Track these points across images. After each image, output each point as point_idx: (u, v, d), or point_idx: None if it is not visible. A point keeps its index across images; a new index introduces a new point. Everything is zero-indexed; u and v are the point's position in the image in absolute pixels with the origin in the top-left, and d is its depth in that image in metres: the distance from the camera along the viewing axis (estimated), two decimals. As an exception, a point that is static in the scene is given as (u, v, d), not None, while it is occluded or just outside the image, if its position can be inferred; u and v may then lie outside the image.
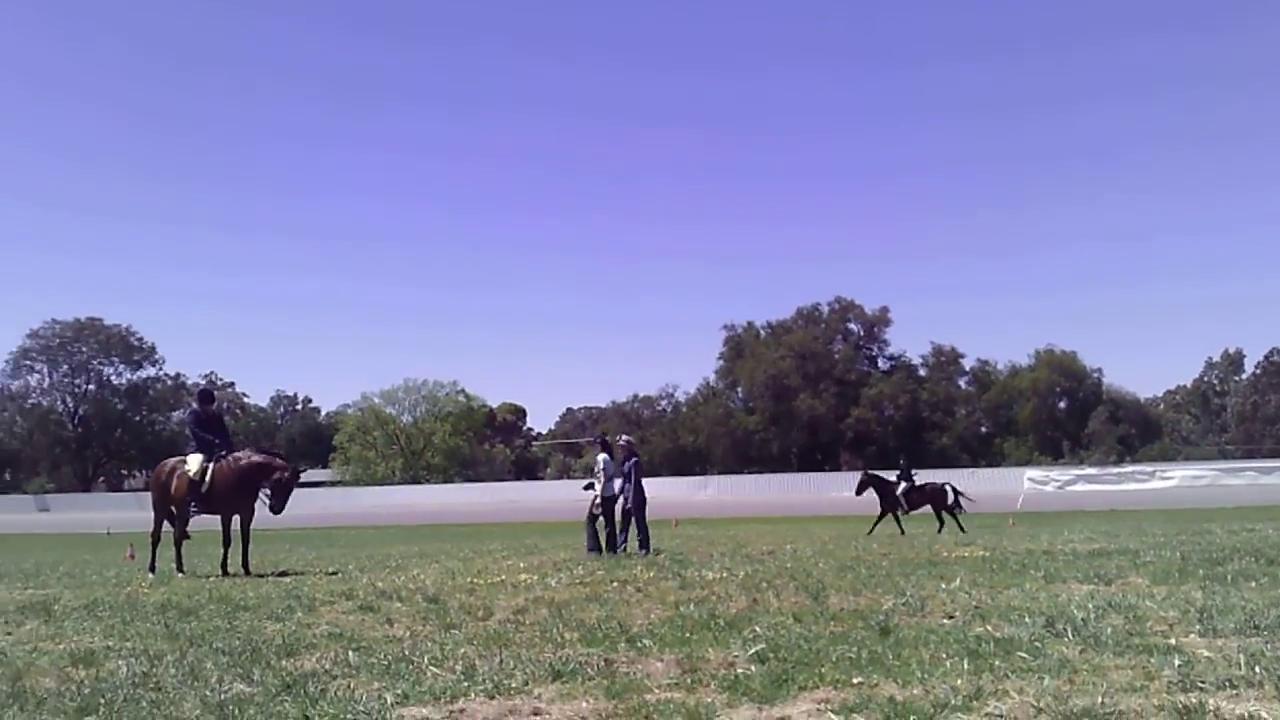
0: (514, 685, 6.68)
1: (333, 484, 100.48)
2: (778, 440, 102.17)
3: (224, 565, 16.45)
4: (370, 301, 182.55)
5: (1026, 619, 8.78)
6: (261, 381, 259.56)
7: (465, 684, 6.71)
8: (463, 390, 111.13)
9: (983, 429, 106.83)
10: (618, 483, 20.05)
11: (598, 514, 19.84)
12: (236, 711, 5.95)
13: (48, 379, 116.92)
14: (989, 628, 8.45)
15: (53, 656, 8.35)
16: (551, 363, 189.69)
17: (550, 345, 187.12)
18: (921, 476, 31.00)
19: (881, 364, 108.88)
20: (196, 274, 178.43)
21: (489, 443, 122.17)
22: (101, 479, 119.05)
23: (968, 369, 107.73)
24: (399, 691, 6.49)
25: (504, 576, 14.58)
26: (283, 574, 16.20)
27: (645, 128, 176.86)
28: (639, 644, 8.19)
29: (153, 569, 16.69)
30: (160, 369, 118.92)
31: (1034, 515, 36.11)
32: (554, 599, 11.53)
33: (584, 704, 6.16)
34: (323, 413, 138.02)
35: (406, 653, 7.95)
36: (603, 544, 19.64)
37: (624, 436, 22.05)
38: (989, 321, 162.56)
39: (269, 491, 16.36)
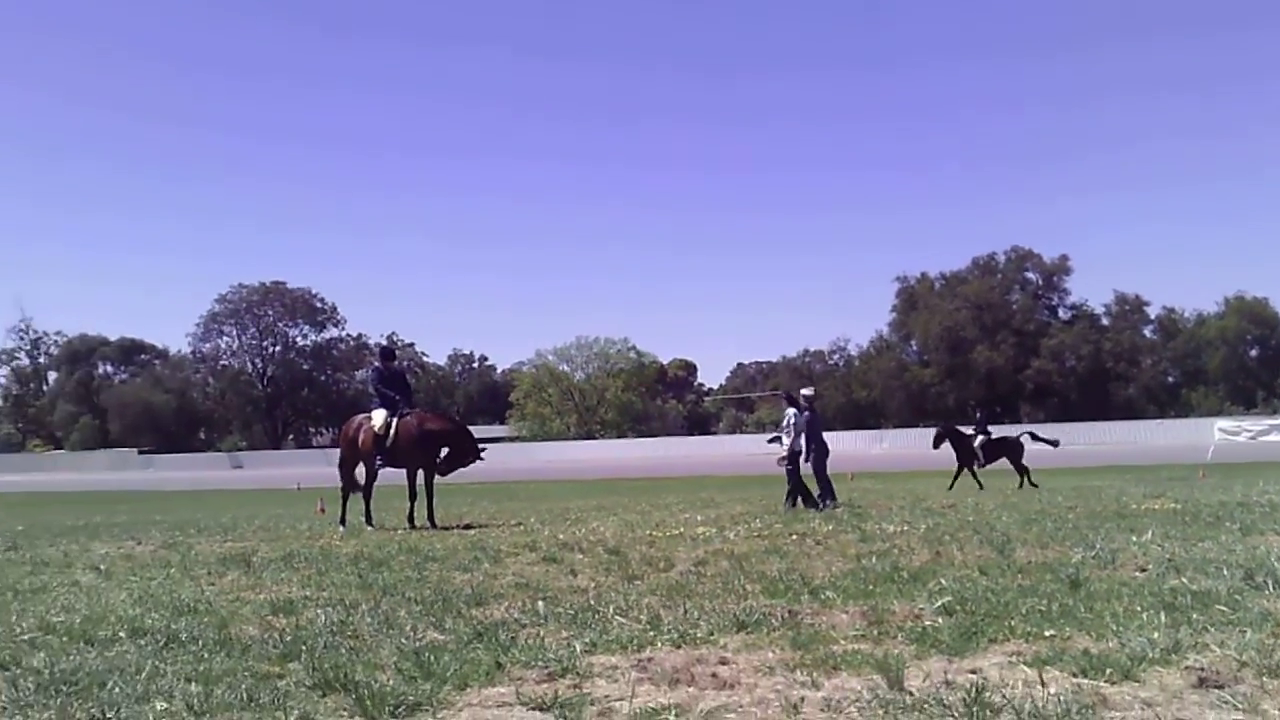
0: (699, 635, 6.72)
1: (510, 440, 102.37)
2: (954, 393, 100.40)
3: (410, 518, 16.89)
4: (544, 261, 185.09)
5: (1224, 571, 8.48)
6: (440, 341, 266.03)
7: (651, 633, 6.77)
8: (634, 347, 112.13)
9: (1169, 379, 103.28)
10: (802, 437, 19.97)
11: (790, 468, 19.80)
12: (432, 658, 6.10)
13: (237, 341, 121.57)
14: (1184, 580, 8.18)
15: (254, 605, 8.67)
16: (722, 318, 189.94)
17: (720, 300, 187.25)
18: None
19: (1062, 314, 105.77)
20: (374, 238, 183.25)
21: (661, 398, 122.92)
22: (290, 436, 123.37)
23: (1153, 317, 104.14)
24: (587, 640, 6.58)
25: (682, 529, 14.67)
26: (467, 526, 16.57)
27: (804, 71, 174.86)
28: (822, 596, 8.15)
29: (343, 522, 17.24)
30: (342, 330, 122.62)
31: (1226, 466, 34.75)
32: (733, 551, 11.56)
33: (770, 654, 6.16)
34: (498, 370, 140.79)
35: (592, 603, 8.06)
36: (799, 499, 19.53)
37: (805, 390, 21.91)
38: (1174, 269, 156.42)
39: (447, 459, 16.73)
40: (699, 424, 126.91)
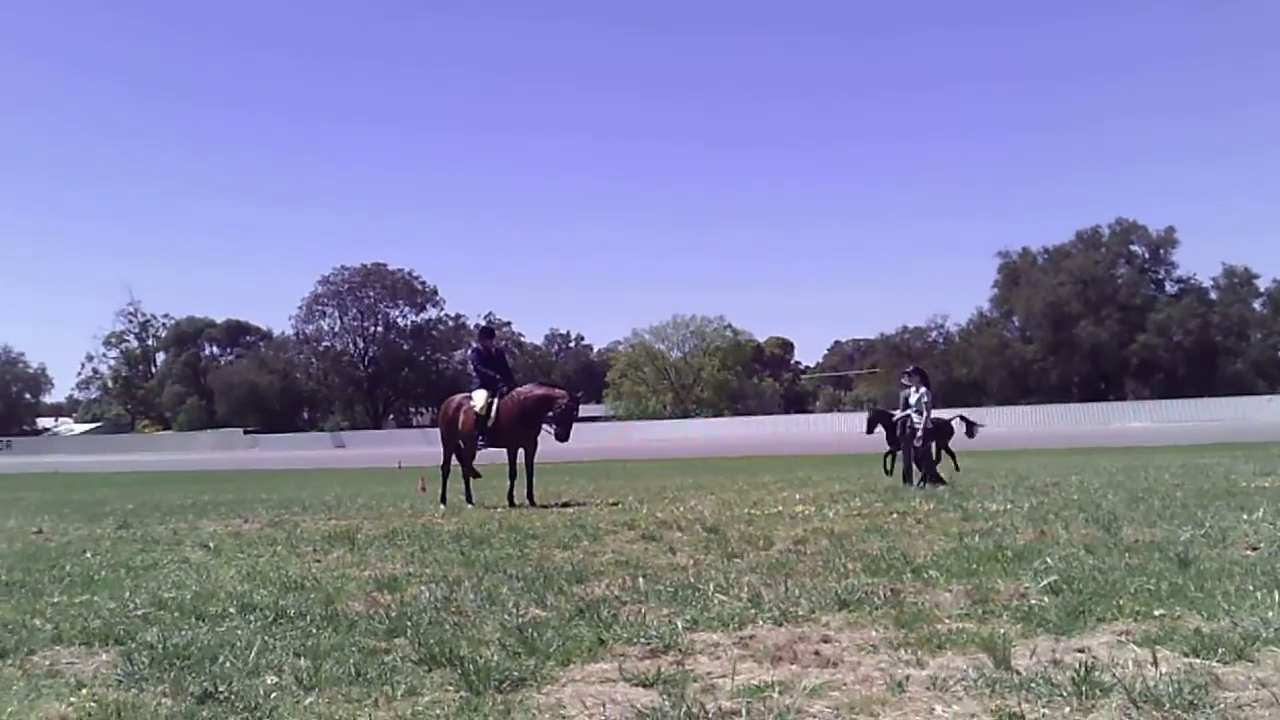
0: (801, 613, 6.69)
1: (606, 419, 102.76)
2: (1057, 369, 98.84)
3: (510, 496, 17.01)
4: (640, 239, 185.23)
5: (1343, 551, 8.25)
6: (537, 321, 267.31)
7: (753, 611, 6.75)
8: (730, 325, 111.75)
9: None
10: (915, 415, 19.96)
11: (924, 445, 19.86)
12: (535, 634, 6.14)
13: (338, 322, 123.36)
14: (1299, 560, 7.97)
15: (359, 582, 8.80)
16: (819, 295, 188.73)
17: (818, 277, 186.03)
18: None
19: (1169, 287, 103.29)
20: (473, 218, 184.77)
21: (757, 376, 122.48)
22: (391, 416, 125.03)
23: (1262, 290, 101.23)
24: (688, 617, 6.58)
25: (780, 508, 14.61)
26: (565, 505, 16.67)
27: (899, 38, 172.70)
28: (925, 574, 8.07)
29: (444, 500, 17.41)
30: (441, 310, 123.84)
31: (1341, 444, 33.76)
32: (833, 530, 11.48)
33: (873, 632, 6.12)
34: (595, 349, 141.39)
35: (692, 580, 8.06)
36: (914, 476, 19.51)
37: (910, 367, 22.02)
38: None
39: (553, 421, 16.85)
40: (795, 402, 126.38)
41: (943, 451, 24.65)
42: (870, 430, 25.04)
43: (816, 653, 5.65)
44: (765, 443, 59.54)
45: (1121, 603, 6.58)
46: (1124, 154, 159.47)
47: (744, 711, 4.51)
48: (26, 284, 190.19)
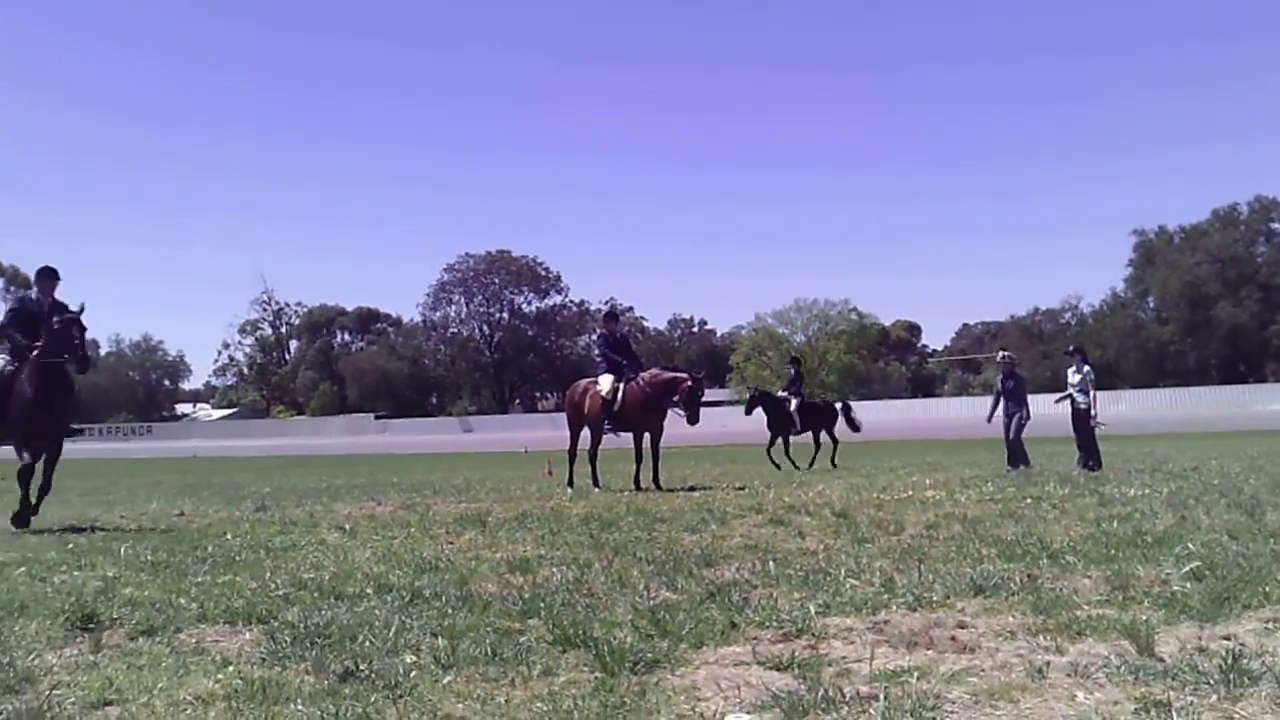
0: (935, 598, 6.60)
1: (731, 403, 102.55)
2: (1194, 352, 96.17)
3: (637, 480, 17.09)
4: (762, 223, 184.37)
5: None
6: (659, 306, 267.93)
7: (885, 596, 6.68)
8: (855, 308, 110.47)
9: None
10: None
11: (1100, 425, 19.64)
12: (666, 617, 6.15)
13: (465, 309, 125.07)
14: None
15: (491, 564, 8.90)
16: (946, 277, 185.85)
17: (945, 259, 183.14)
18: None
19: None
20: (595, 203, 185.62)
21: (883, 360, 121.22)
22: (517, 400, 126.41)
23: None
24: (820, 601, 6.54)
25: (910, 492, 14.45)
26: (692, 489, 16.68)
27: (1023, 5, 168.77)
28: (1062, 560, 7.91)
29: (570, 484, 17.56)
30: (565, 296, 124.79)
31: None
32: (965, 515, 11.33)
33: (1010, 618, 6.01)
34: (718, 334, 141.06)
35: (822, 564, 8.00)
36: (1090, 458, 19.30)
37: (1003, 353, 21.65)
38: None
39: (682, 405, 16.88)
40: (923, 386, 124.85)
41: (821, 437, 24.93)
42: (749, 412, 25.16)
43: (953, 638, 5.58)
44: (892, 427, 58.90)
45: (1269, 589, 6.38)
46: (1263, 127, 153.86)
47: (882, 696, 4.46)
48: (166, 274, 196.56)
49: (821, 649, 5.45)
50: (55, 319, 12.56)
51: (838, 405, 26.33)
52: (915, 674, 4.86)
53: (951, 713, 4.33)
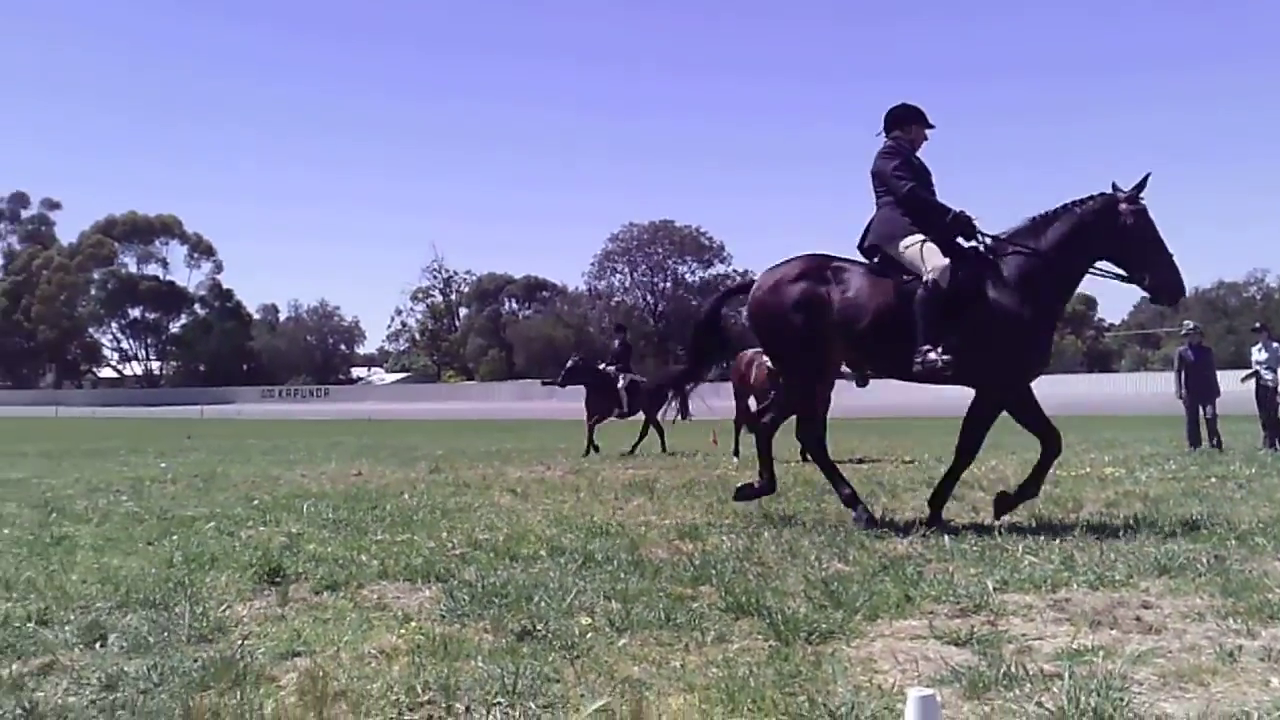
0: (1117, 578, 6.41)
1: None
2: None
3: (803, 452, 16.96)
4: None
5: None
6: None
7: (1065, 574, 6.52)
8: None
9: None
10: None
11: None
12: (840, 587, 6.11)
13: (629, 278, 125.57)
14: None
15: (661, 530, 8.96)
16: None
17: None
18: None
19: None
20: (757, 170, 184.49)
21: (1058, 334, 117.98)
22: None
23: None
24: (998, 578, 6.41)
25: (1088, 469, 14.10)
26: (859, 461, 16.53)
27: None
28: (1250, 542, 7.61)
29: (736, 454, 17.57)
30: (729, 265, 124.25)
31: None
32: (1146, 493, 11.00)
33: (1197, 600, 5.81)
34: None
35: (999, 540, 7.85)
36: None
37: (1189, 324, 20.89)
38: None
39: (850, 370, 16.70)
40: (1099, 361, 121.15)
41: (650, 423, 21.69)
42: (564, 384, 21.99)
43: (1137, 619, 5.42)
44: (1066, 403, 57.12)
45: None
46: None
47: (1066, 675, 4.35)
48: (343, 241, 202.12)
49: (1000, 625, 5.35)
50: None
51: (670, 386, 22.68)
52: (1100, 653, 4.74)
53: (1139, 694, 4.21)
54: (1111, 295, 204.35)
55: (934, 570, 6.74)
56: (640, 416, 21.86)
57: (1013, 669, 4.46)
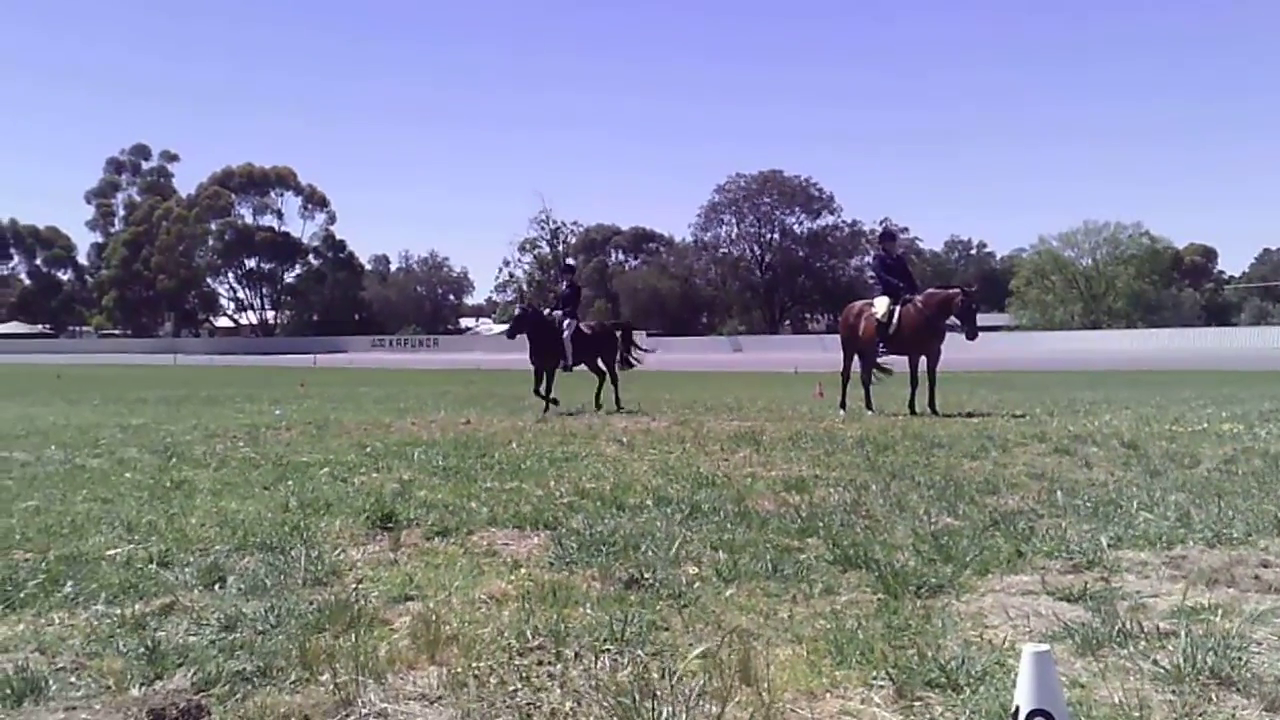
0: (1235, 536, 6.27)
1: (1009, 329, 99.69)
2: None
3: (912, 404, 16.82)
4: (1046, 136, 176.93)
5: None
6: (936, 227, 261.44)
7: (1182, 531, 6.40)
8: (1146, 231, 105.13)
9: None
10: None
11: None
12: (949, 542, 6.06)
13: (735, 229, 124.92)
14: None
15: (767, 482, 8.95)
16: (1246, 199, 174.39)
17: (1245, 178, 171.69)
18: None
19: None
20: (873, 116, 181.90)
21: (1175, 286, 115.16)
22: (787, 322, 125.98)
23: None
24: (1111, 534, 6.31)
25: (1205, 425, 13.73)
26: (969, 415, 16.31)
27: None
28: (1375, 500, 7.39)
29: (843, 406, 17.41)
30: (838, 217, 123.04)
31: None
32: (1267, 450, 10.69)
33: (1321, 561, 5.67)
34: (997, 257, 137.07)
35: (1112, 496, 7.71)
36: None
37: None
38: None
39: (959, 318, 16.50)
40: (1218, 315, 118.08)
41: (604, 370, 20.07)
42: (512, 335, 20.21)
43: (1256, 577, 5.30)
44: (1184, 357, 56.05)
45: None
46: None
47: (1181, 633, 4.28)
48: (453, 192, 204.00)
49: (1114, 582, 5.28)
50: None
51: (618, 332, 21.01)
52: (1217, 612, 4.64)
53: (1258, 653, 4.13)
54: (1233, 247, 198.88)
55: (1046, 526, 6.65)
56: (588, 369, 20.30)
57: (1127, 626, 4.40)
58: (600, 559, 5.84)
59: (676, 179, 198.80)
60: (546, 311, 20.20)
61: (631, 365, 20.64)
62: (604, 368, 20.06)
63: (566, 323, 19.60)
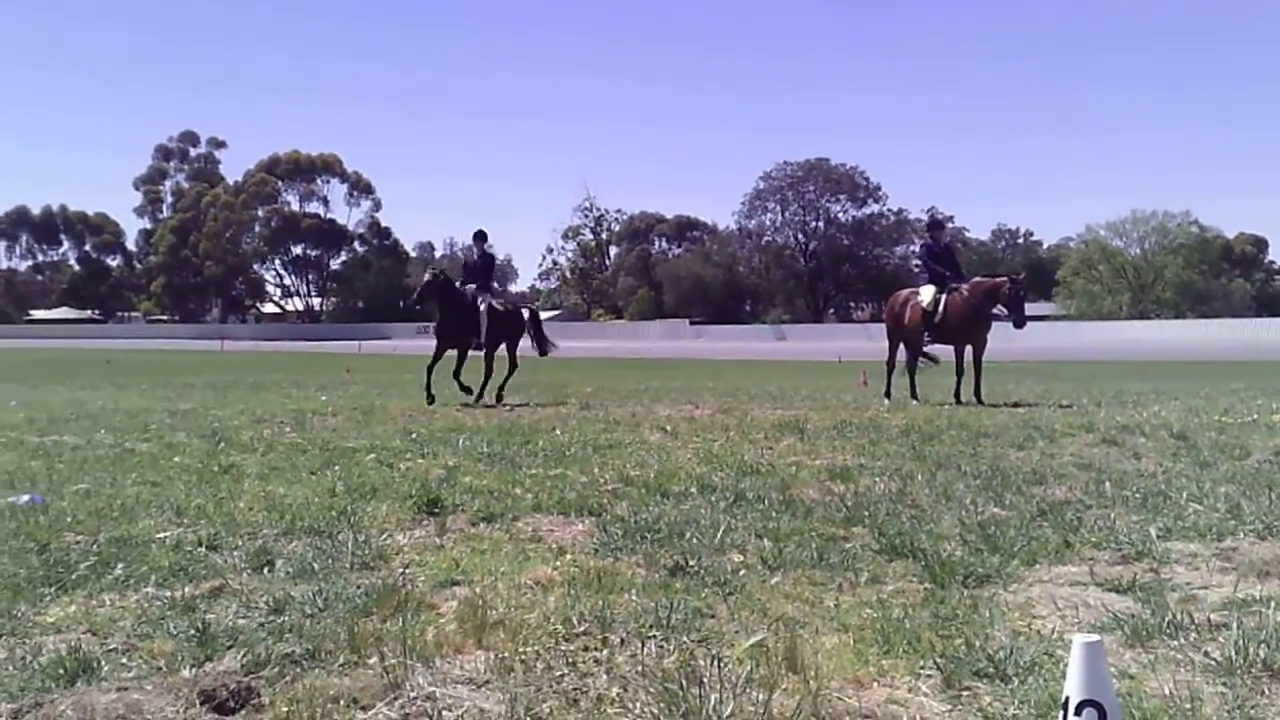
0: (1287, 528, 6.20)
1: (1056, 318, 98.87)
2: None
3: (957, 394, 16.71)
4: (1094, 132, 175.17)
5: None
6: (983, 215, 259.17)
7: (1232, 523, 6.33)
8: (1195, 221, 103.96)
9: None
10: None
11: None
12: (996, 532, 6.03)
13: (780, 217, 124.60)
14: None
15: (812, 471, 8.92)
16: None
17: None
18: None
19: None
20: (919, 103, 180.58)
21: (1225, 276, 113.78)
22: (831, 310, 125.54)
23: None
24: (1161, 525, 6.25)
25: (1255, 416, 13.57)
26: (1015, 404, 16.20)
27: None
28: None
29: (888, 395, 17.32)
30: (884, 205, 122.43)
31: None
32: (1319, 442, 10.57)
33: (1374, 553, 5.59)
34: (1044, 246, 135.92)
35: (1162, 487, 7.64)
36: None
37: None
38: None
39: (1006, 307, 16.38)
40: (1269, 305, 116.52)
41: (509, 359, 18.27)
42: (419, 303, 18.58)
43: (1309, 570, 5.24)
44: (1233, 348, 55.47)
45: None
46: None
47: (1233, 625, 4.23)
48: (497, 180, 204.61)
49: (1164, 574, 5.23)
50: None
51: (525, 312, 19.28)
52: (1269, 604, 4.59)
53: (1312, 648, 4.07)
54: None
55: (1094, 516, 6.60)
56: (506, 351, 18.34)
57: (1177, 618, 4.36)
58: (645, 546, 5.85)
59: (720, 167, 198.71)
60: (459, 284, 17.97)
61: (546, 352, 19.25)
62: (508, 352, 18.33)
63: (481, 297, 17.72)
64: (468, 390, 17.48)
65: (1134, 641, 4.17)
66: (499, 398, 17.74)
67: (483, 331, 17.41)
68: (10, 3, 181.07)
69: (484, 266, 18.43)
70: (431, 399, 16.90)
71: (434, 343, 18.00)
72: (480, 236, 18.28)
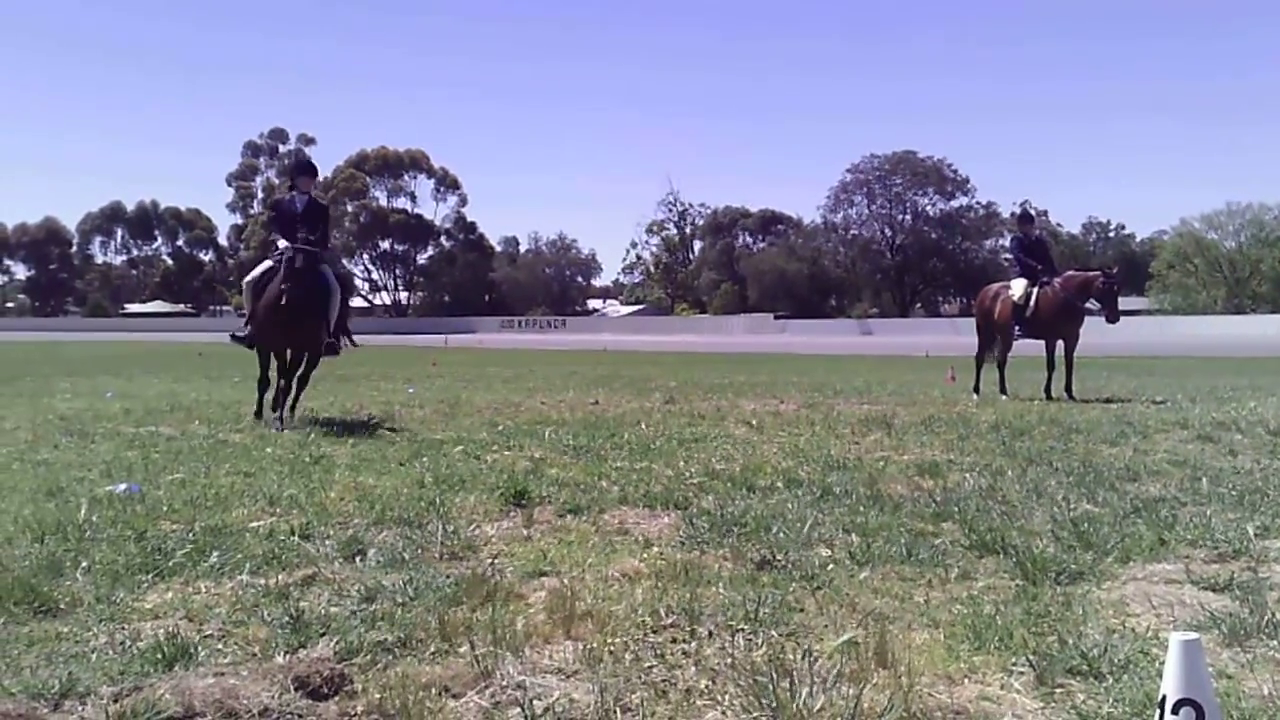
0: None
1: (1149, 313, 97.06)
2: None
3: (1048, 389, 16.49)
4: (1185, 122, 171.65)
5: None
6: (1074, 209, 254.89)
7: (1334, 522, 6.19)
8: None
9: None
10: None
11: None
12: (1089, 529, 5.94)
13: (866, 211, 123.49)
14: None
15: (899, 466, 8.86)
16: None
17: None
18: None
19: None
20: (1009, 91, 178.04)
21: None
22: (918, 305, 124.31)
23: None
24: (1258, 523, 6.13)
25: (1357, 413, 13.24)
26: (1107, 400, 15.95)
27: None
28: None
29: (977, 390, 17.14)
30: (972, 198, 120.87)
31: None
32: None
33: None
34: (1137, 239, 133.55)
35: (1259, 485, 7.49)
36: None
37: None
38: None
39: (1099, 301, 16.12)
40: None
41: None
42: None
43: None
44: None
45: None
46: None
47: (1335, 627, 4.15)
48: (582, 174, 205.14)
49: (1262, 572, 5.13)
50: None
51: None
52: (1372, 605, 4.49)
53: None
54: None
55: (1189, 514, 6.49)
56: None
57: (1276, 617, 4.27)
58: (731, 539, 5.85)
59: (805, 160, 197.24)
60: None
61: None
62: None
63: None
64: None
65: (1231, 641, 4.09)
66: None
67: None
68: (106, 6, 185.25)
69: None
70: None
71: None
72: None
